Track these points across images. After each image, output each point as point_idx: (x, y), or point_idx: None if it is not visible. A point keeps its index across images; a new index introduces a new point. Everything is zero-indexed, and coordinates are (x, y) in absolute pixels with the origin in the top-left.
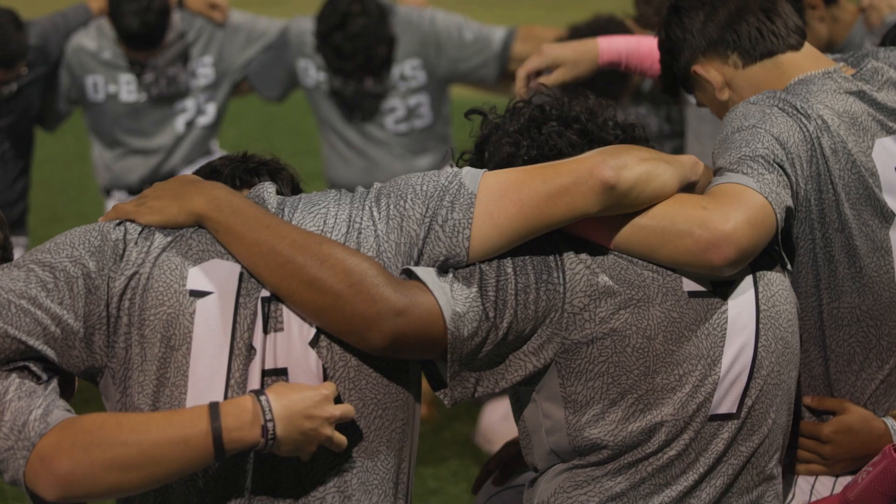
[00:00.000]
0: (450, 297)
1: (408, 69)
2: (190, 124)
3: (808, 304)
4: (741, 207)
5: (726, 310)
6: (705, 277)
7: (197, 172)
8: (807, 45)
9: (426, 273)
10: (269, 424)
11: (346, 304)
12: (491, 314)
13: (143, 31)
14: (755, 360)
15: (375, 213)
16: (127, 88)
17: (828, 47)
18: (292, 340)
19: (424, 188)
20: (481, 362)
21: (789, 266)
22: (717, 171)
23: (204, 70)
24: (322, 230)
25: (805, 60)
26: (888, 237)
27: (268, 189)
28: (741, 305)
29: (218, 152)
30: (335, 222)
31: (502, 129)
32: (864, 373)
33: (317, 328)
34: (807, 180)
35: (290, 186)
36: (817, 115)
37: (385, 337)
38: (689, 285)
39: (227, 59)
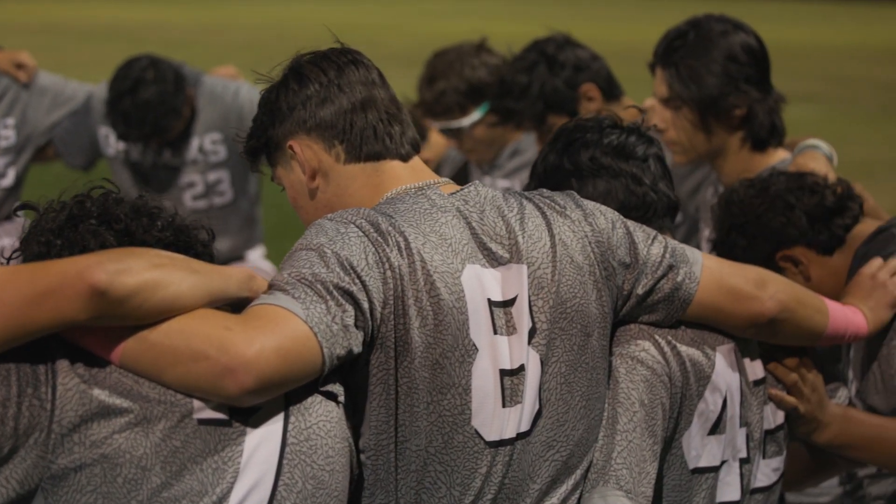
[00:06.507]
0: None
1: (208, 143)
2: None
3: (379, 442)
4: (274, 333)
5: (243, 441)
6: (225, 404)
7: None
8: (416, 160)
9: None
10: None
11: None
12: None
13: None
14: (273, 500)
15: None
16: None
17: None
18: None
19: None
20: None
21: (342, 398)
22: (269, 288)
23: (5, 132)
24: None
25: (406, 172)
26: (469, 373)
27: None
28: (262, 437)
29: (21, 217)
30: None
31: (40, 226)
32: None
33: None
34: (383, 304)
35: None
36: (399, 232)
37: None
38: (201, 412)
39: (31, 121)
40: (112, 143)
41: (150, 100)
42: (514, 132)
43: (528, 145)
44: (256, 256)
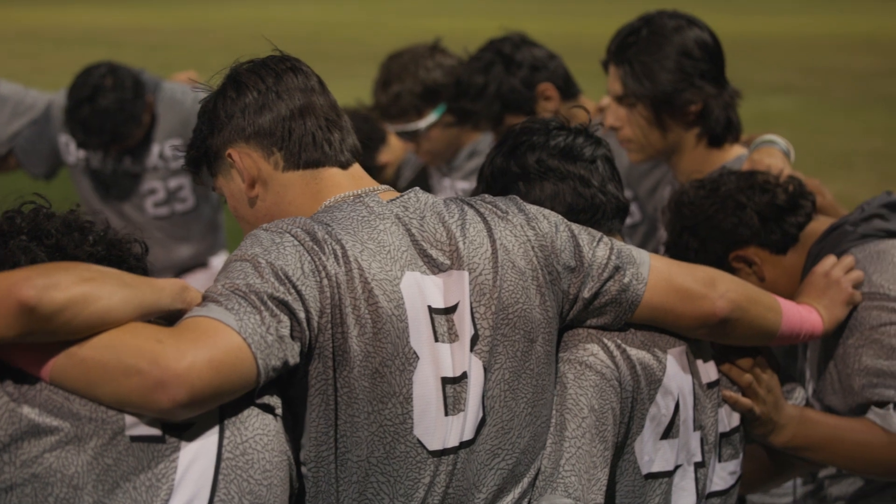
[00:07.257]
0: None
1: (168, 149)
2: None
3: (320, 454)
4: (206, 345)
5: (177, 458)
6: (158, 420)
7: None
8: (355, 167)
9: None
10: None
11: None
12: None
13: None
14: None
15: None
16: None
17: None
18: None
19: None
20: None
21: (279, 410)
22: (203, 300)
23: None
24: None
25: (346, 180)
26: (410, 381)
27: None
28: (197, 453)
29: None
30: None
31: None
32: None
33: None
34: (320, 314)
35: None
36: (336, 241)
37: None
38: (133, 428)
39: None
40: (72, 151)
41: (109, 107)
42: (471, 133)
43: (485, 146)
44: (220, 262)
